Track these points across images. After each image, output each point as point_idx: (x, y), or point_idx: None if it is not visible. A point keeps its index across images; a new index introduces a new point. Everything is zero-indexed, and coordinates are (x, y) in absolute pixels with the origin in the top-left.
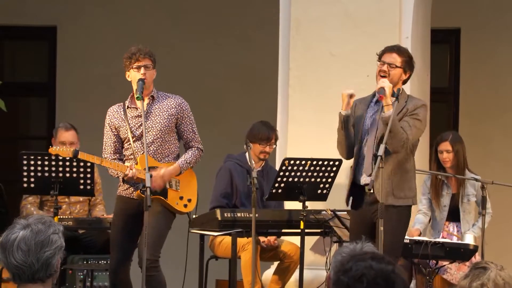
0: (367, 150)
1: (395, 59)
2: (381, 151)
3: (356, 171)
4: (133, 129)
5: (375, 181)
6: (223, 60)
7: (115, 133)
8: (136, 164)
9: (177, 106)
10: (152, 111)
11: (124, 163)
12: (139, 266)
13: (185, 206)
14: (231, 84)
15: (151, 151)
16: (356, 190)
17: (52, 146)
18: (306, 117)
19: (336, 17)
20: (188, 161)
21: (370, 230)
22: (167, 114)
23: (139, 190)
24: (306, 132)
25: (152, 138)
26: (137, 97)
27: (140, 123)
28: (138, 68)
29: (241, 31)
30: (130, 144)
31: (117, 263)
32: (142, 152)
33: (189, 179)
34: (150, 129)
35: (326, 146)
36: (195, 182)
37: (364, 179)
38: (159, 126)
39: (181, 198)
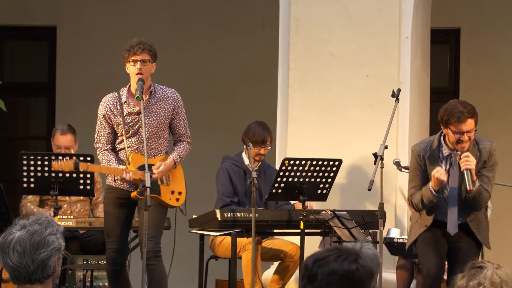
0: (449, 203)
1: (472, 124)
2: (380, 151)
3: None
4: (128, 125)
5: (477, 227)
6: (222, 60)
7: (110, 125)
8: (129, 164)
9: (174, 103)
10: (150, 107)
11: (117, 154)
12: (141, 259)
13: (177, 200)
14: (232, 84)
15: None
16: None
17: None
18: (306, 117)
19: (336, 17)
20: (181, 155)
21: (445, 249)
22: (164, 111)
23: (135, 192)
24: (306, 132)
25: (148, 135)
26: (137, 97)
27: (136, 119)
28: (135, 62)
29: (241, 31)
30: (123, 139)
31: (118, 253)
32: (135, 148)
33: (176, 172)
34: (147, 125)
35: (326, 146)
36: (181, 174)
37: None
38: (156, 123)
39: (172, 192)
